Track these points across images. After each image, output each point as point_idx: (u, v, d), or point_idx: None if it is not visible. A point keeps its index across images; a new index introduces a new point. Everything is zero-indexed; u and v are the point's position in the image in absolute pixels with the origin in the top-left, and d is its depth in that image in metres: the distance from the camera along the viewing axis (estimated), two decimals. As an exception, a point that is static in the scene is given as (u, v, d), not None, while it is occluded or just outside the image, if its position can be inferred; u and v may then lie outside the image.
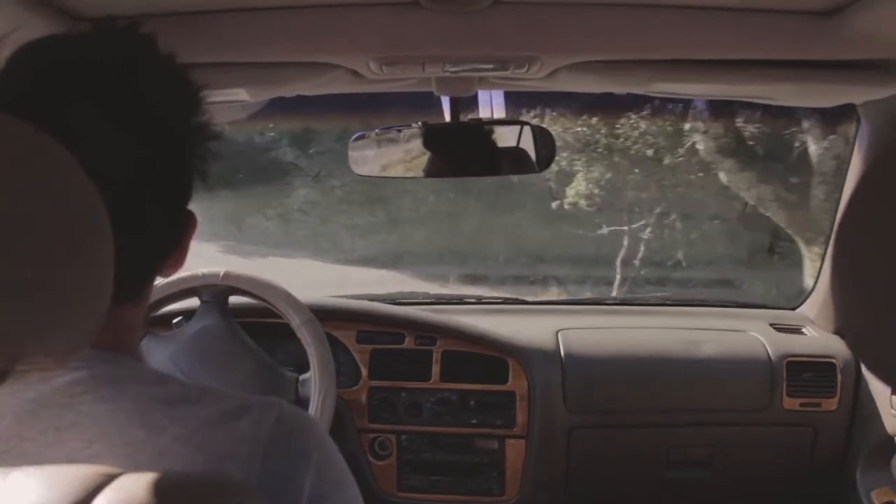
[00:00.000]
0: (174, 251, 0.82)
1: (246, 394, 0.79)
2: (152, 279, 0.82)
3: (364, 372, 2.06)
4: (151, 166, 0.75)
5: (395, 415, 2.05)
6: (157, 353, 1.84)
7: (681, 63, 1.33)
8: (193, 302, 1.94)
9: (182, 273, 1.90)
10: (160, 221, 0.79)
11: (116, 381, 0.75)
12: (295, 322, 1.85)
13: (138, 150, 0.74)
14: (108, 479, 0.63)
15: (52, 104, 0.70)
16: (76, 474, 0.64)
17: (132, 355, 0.80)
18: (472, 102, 1.77)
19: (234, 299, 1.93)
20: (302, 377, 1.86)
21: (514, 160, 1.73)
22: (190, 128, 0.81)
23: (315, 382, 1.81)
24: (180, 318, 1.98)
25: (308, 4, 1.20)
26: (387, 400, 2.06)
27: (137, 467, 0.65)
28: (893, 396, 1.93)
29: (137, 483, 0.63)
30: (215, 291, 1.90)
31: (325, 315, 1.97)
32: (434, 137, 1.70)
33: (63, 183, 0.62)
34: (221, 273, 1.90)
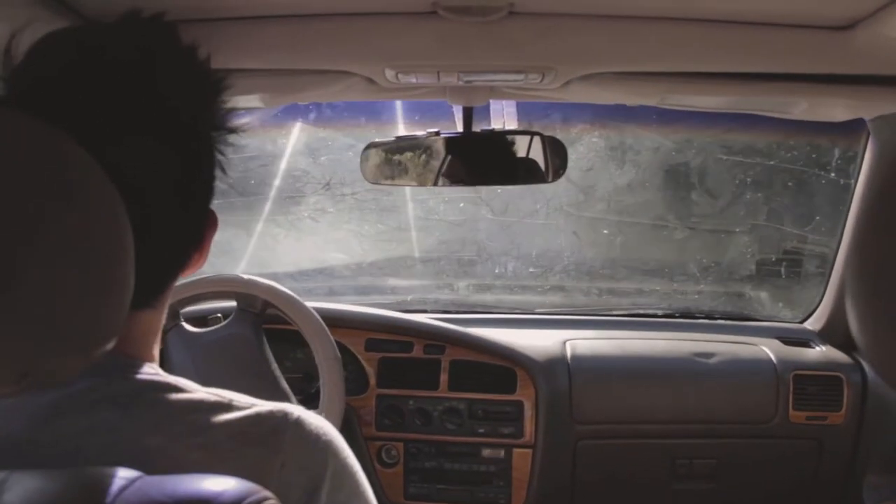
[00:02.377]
0: (195, 252, 0.81)
1: (264, 402, 0.79)
2: (172, 282, 0.81)
3: (372, 380, 2.06)
4: (172, 165, 0.75)
5: (403, 423, 2.06)
6: (181, 351, 1.84)
7: (694, 76, 1.34)
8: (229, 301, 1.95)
9: (225, 273, 1.90)
10: (181, 222, 0.77)
11: (133, 387, 0.74)
12: (319, 356, 1.85)
13: (158, 147, 0.73)
14: (124, 485, 0.63)
15: (69, 101, 0.69)
16: (92, 478, 0.64)
17: (150, 361, 0.80)
18: (485, 112, 1.77)
19: None
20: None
21: (526, 170, 1.74)
22: (211, 123, 0.79)
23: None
24: (218, 314, 1.98)
25: (324, 12, 1.20)
26: (394, 408, 2.06)
27: (153, 474, 0.65)
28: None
29: (153, 489, 0.63)
30: (254, 302, 1.89)
31: (334, 322, 1.97)
32: (447, 147, 1.71)
33: (80, 184, 0.62)
34: (265, 286, 1.90)
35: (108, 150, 0.67)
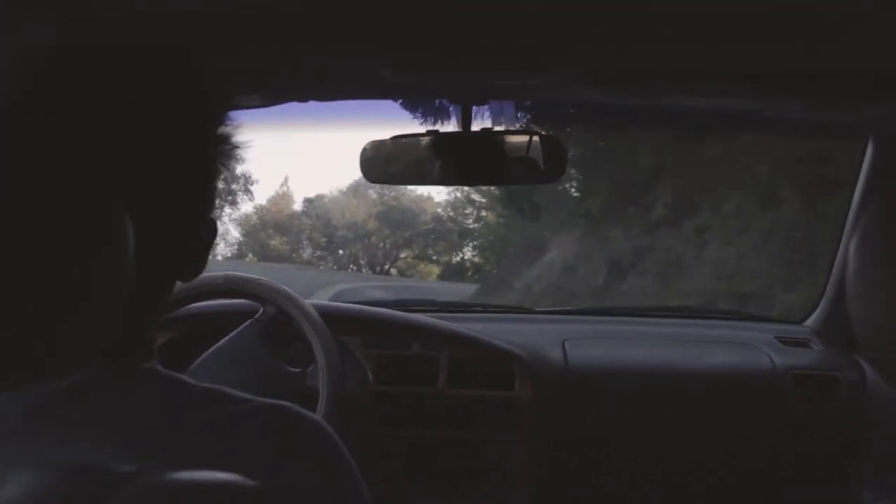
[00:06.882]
0: (195, 259, 0.83)
1: (258, 397, 0.79)
2: (171, 286, 0.83)
3: (370, 377, 2.06)
4: (172, 178, 0.76)
5: (401, 420, 2.06)
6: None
7: (694, 75, 1.34)
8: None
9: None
10: (182, 231, 0.79)
11: (127, 382, 0.75)
12: (308, 330, 1.85)
13: (157, 162, 0.74)
14: (123, 478, 0.63)
15: (64, 112, 0.69)
16: (91, 472, 0.65)
17: (149, 356, 0.80)
18: (483, 112, 1.77)
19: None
20: (308, 370, 1.85)
21: (524, 169, 1.74)
22: (213, 137, 0.81)
23: (321, 372, 1.81)
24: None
25: (323, 10, 1.20)
26: (393, 405, 2.06)
27: (147, 470, 0.65)
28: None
29: (152, 482, 0.63)
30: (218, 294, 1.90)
31: (332, 320, 1.97)
32: (445, 145, 1.71)
33: (82, 195, 0.64)
34: (222, 277, 1.89)
35: (104, 159, 0.69)
